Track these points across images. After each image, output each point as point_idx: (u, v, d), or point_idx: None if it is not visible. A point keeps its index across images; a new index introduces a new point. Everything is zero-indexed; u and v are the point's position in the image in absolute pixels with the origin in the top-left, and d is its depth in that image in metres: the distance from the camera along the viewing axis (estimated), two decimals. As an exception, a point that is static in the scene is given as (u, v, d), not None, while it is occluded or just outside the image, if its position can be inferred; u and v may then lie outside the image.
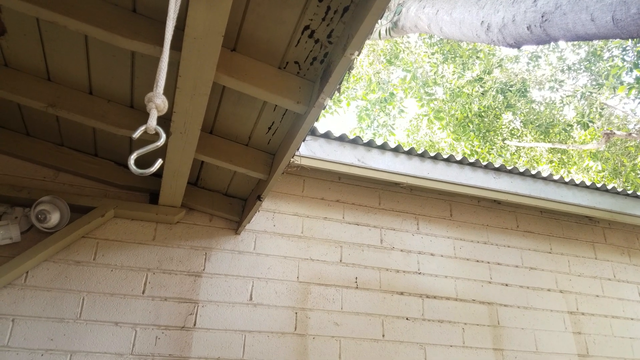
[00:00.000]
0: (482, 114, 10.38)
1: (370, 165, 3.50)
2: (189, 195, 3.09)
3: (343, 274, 3.37)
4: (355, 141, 3.53)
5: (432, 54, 10.36)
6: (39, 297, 2.69)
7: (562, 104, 10.75)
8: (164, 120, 2.16)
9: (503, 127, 10.93)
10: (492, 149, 10.85)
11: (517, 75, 10.24)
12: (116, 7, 1.74)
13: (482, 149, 10.81)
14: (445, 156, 3.78)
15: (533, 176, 4.02)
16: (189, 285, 2.99)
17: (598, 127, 10.31)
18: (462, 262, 3.75)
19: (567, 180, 4.10)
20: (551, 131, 10.64)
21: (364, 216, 3.63)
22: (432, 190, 3.89)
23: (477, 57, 10.20)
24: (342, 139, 3.50)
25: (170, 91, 1.87)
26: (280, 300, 3.14)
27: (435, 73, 10.34)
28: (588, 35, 2.79)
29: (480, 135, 10.55)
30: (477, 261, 3.80)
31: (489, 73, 10.03)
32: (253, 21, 1.71)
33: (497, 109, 10.35)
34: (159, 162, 1.27)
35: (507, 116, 11.03)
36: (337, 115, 10.75)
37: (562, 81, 10.65)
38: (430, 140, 11.88)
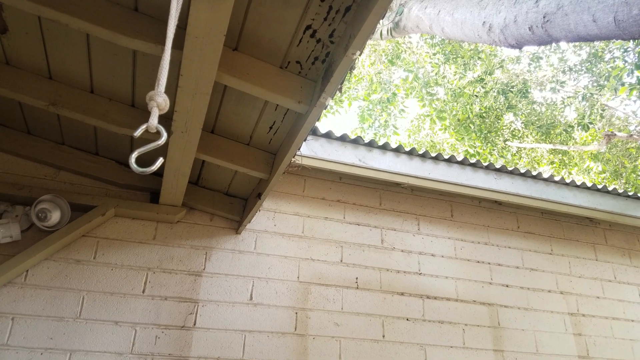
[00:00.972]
0: (484, 114, 10.38)
1: (372, 166, 3.50)
2: (190, 195, 3.09)
3: (343, 274, 3.36)
4: (357, 141, 3.53)
5: (434, 54, 10.36)
6: (39, 296, 2.69)
7: (563, 105, 10.75)
8: (165, 120, 2.16)
9: (504, 127, 10.93)
10: (494, 149, 10.84)
11: (518, 76, 10.24)
12: (118, 5, 1.74)
13: (483, 149, 10.80)
14: (446, 157, 3.77)
15: (534, 177, 4.01)
16: (189, 284, 2.99)
17: (599, 129, 10.30)
18: (463, 262, 3.75)
19: (568, 181, 4.10)
20: (552, 132, 10.64)
21: (365, 216, 3.63)
22: (433, 191, 3.89)
23: (479, 58, 10.20)
24: (343, 138, 3.49)
25: (171, 90, 1.87)
26: (280, 300, 3.13)
27: (436, 73, 10.33)
28: (590, 36, 2.78)
29: (482, 136, 10.54)
30: (478, 262, 3.80)
31: (490, 74, 10.03)
32: (255, 20, 1.71)
33: (498, 110, 10.34)
34: (160, 160, 1.27)
35: (508, 117, 11.02)
36: (339, 115, 10.74)
37: (563, 82, 10.64)
38: (432, 141, 11.88)
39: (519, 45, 3.31)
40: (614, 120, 10.50)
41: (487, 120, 10.44)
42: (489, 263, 3.83)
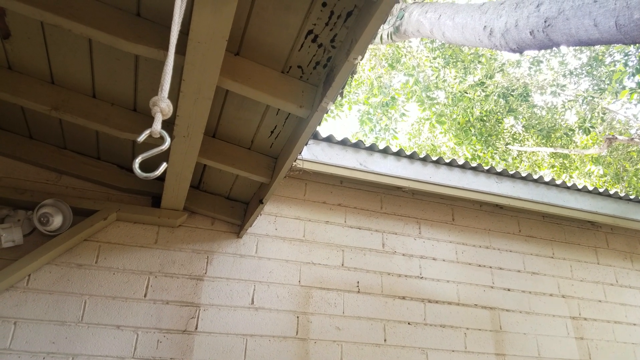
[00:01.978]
0: (484, 118, 10.38)
1: (372, 169, 3.50)
2: (191, 199, 3.10)
3: (345, 278, 3.36)
4: (357, 145, 3.53)
5: (434, 58, 10.37)
6: (41, 300, 2.69)
7: (563, 109, 10.75)
8: (167, 124, 2.16)
9: (505, 131, 10.93)
10: (495, 153, 10.84)
11: (518, 79, 10.25)
12: (120, 10, 1.75)
13: (484, 153, 10.81)
14: (447, 160, 3.78)
15: (535, 181, 4.01)
16: (190, 288, 2.99)
17: (600, 132, 10.30)
18: (464, 266, 3.74)
19: (569, 185, 4.10)
20: (553, 136, 10.64)
21: (366, 220, 3.63)
22: (434, 195, 3.89)
23: (479, 62, 10.21)
24: (344, 142, 3.50)
25: (173, 95, 1.87)
26: (281, 304, 3.13)
27: (437, 77, 10.35)
28: (591, 40, 2.79)
29: (482, 139, 10.55)
30: (479, 266, 3.79)
31: (490, 77, 10.04)
32: (257, 25, 1.72)
33: (498, 114, 10.35)
34: (164, 165, 1.27)
35: (508, 121, 11.03)
36: (339, 119, 10.75)
37: (564, 86, 10.65)
38: (432, 144, 11.88)
39: (520, 50, 3.32)
40: (614, 123, 10.50)
41: (487, 123, 10.45)
42: (491, 267, 3.83)
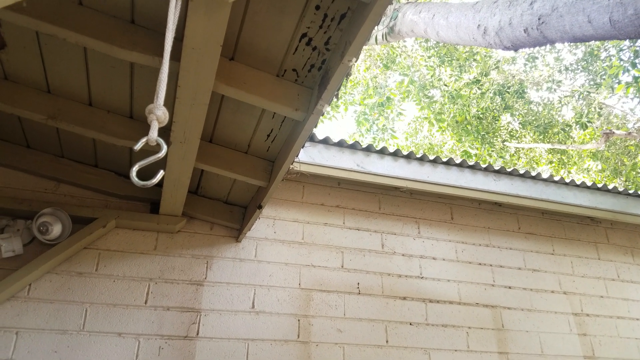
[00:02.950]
0: (481, 115, 10.40)
1: (370, 170, 3.50)
2: (190, 204, 3.09)
3: (345, 280, 3.36)
4: (354, 146, 3.54)
5: (429, 57, 10.39)
6: (42, 309, 2.69)
7: (560, 105, 10.78)
8: (164, 130, 2.16)
9: (502, 128, 10.95)
10: (492, 150, 10.86)
11: (514, 76, 10.27)
12: (114, 18, 1.75)
13: (481, 150, 10.82)
14: (444, 159, 3.78)
15: (533, 178, 4.02)
16: (191, 294, 2.98)
17: (597, 127, 10.32)
18: (465, 265, 3.74)
19: (567, 181, 4.11)
20: (550, 132, 10.66)
21: (365, 221, 3.63)
22: (432, 194, 3.89)
23: (474, 60, 10.23)
24: (340, 144, 3.50)
25: (169, 101, 1.87)
26: (282, 307, 3.13)
27: (432, 76, 10.37)
28: (585, 36, 2.80)
29: (479, 137, 10.56)
30: (480, 264, 3.80)
31: (486, 75, 10.06)
32: (251, 30, 1.72)
33: (495, 111, 10.36)
34: (161, 173, 1.27)
35: (505, 117, 11.05)
36: (335, 120, 10.76)
37: (560, 81, 10.67)
38: (429, 143, 11.89)
39: (514, 48, 3.33)
40: (612, 118, 10.53)
41: (484, 121, 10.46)
42: (491, 265, 3.83)
